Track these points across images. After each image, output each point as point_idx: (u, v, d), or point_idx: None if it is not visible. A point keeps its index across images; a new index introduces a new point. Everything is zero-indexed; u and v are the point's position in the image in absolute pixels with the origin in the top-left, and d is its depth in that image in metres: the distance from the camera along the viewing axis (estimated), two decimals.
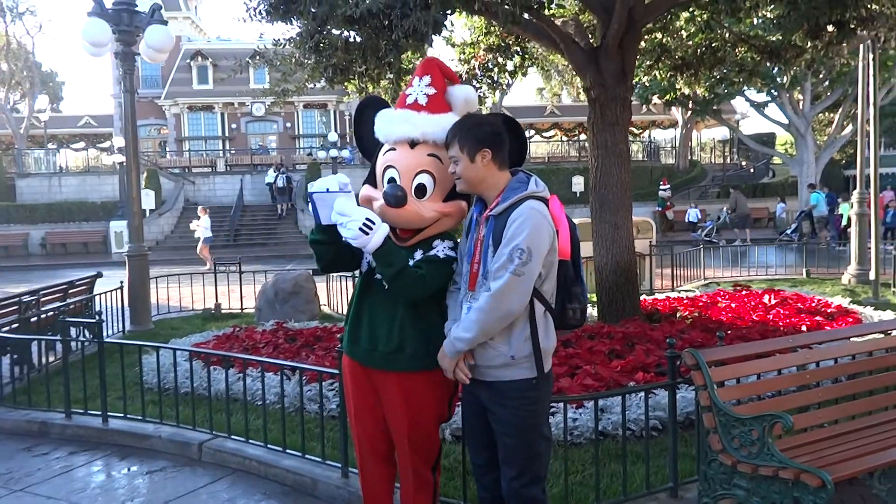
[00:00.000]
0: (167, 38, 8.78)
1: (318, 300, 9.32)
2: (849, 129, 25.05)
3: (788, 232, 20.01)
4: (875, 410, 3.75)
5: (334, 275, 10.01)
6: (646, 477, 3.59)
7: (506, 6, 5.77)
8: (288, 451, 4.23)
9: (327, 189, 2.60)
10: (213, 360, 5.40)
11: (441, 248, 2.80)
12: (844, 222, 18.47)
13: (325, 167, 27.60)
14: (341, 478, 3.89)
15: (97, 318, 5.30)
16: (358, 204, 2.67)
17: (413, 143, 2.77)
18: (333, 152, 26.40)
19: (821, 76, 23.18)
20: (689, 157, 35.81)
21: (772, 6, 5.85)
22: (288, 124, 37.25)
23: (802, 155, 24.79)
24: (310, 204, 2.67)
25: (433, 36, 5.63)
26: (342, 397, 3.88)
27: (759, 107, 26.00)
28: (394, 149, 2.80)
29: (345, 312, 9.27)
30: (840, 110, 25.17)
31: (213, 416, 4.66)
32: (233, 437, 4.52)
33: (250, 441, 4.42)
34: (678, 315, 7.34)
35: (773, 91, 23.29)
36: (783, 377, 3.73)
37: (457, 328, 2.57)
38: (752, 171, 34.37)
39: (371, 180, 2.91)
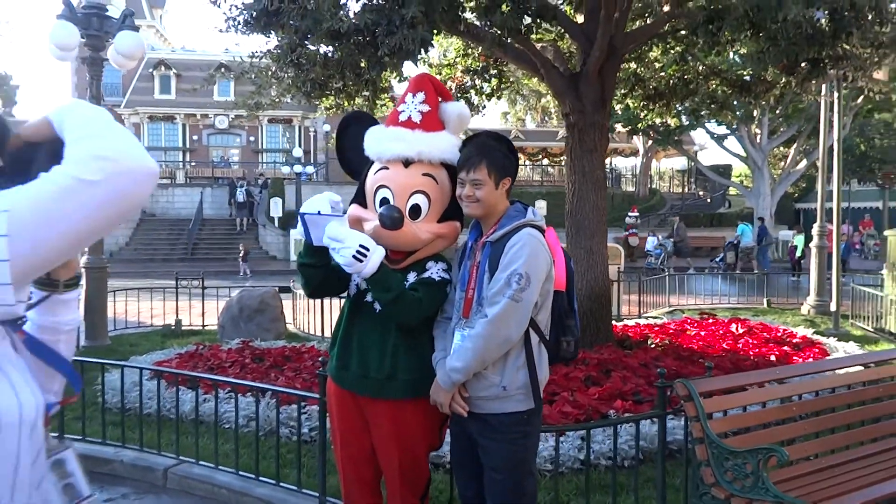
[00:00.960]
0: (138, 45, 8.55)
1: (284, 318, 9.11)
2: (803, 163, 25.92)
3: (717, 260, 20.75)
4: (852, 445, 3.77)
5: (300, 293, 9.81)
6: None
7: (493, 30, 5.76)
8: (261, 478, 4.04)
9: (319, 211, 2.48)
10: (180, 379, 5.17)
11: (435, 271, 2.72)
12: (799, 254, 19.00)
13: (289, 183, 27.28)
14: None
15: None
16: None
17: (407, 162, 2.67)
18: (298, 168, 26.11)
19: (777, 112, 23.95)
20: (649, 186, 36.52)
21: (751, 42, 5.97)
22: (251, 138, 36.84)
23: (759, 187, 25.50)
24: (300, 224, 2.55)
25: (420, 54, 5.58)
26: (323, 423, 3.74)
27: (719, 139, 26.72)
28: (386, 167, 2.70)
29: (312, 332, 9.18)
30: (795, 145, 26.03)
31: (180, 440, 4.45)
32: (201, 462, 4.30)
33: (220, 467, 4.21)
34: (650, 342, 7.36)
35: (732, 124, 23.96)
36: (769, 409, 3.72)
37: (451, 358, 2.48)
38: (709, 200, 35.22)
39: (359, 199, 2.80)
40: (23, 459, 1.09)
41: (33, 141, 1.23)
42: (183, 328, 9.68)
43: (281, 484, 3.96)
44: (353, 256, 2.41)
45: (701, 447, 3.17)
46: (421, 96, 2.76)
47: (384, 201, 2.68)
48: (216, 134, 37.13)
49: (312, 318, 9.30)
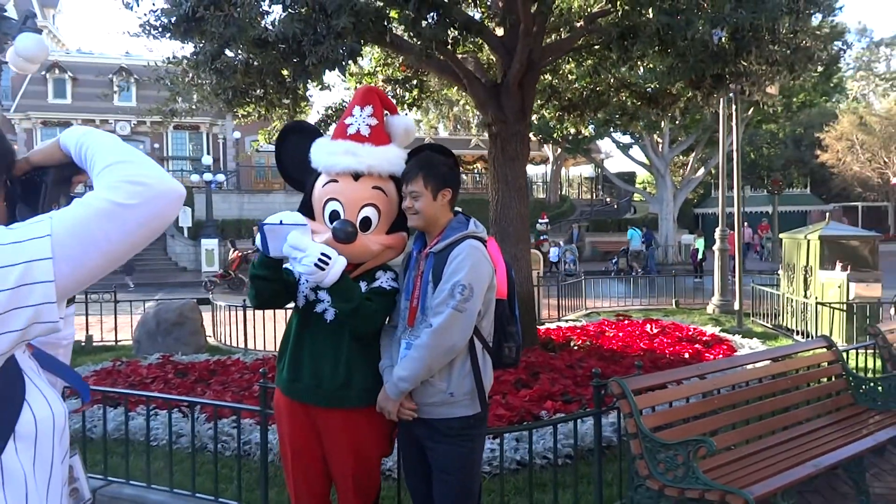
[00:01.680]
0: (41, 48, 8.10)
1: (204, 331, 8.85)
2: (701, 171, 27.42)
3: (612, 262, 21.95)
4: (765, 434, 4.07)
5: (221, 304, 9.57)
6: None
7: (418, 42, 5.85)
8: (198, 494, 3.93)
9: (280, 221, 2.49)
10: (103, 397, 4.95)
11: (385, 280, 2.77)
12: (700, 256, 20.11)
13: (199, 192, 26.41)
14: None
15: None
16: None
17: (357, 176, 2.70)
18: (207, 176, 25.29)
19: (678, 122, 25.26)
20: (560, 192, 37.64)
21: (661, 58, 6.34)
22: (156, 145, 35.33)
23: (662, 193, 26.78)
24: (258, 235, 2.55)
25: (347, 64, 5.60)
26: (264, 437, 3.70)
27: (625, 148, 27.88)
28: (335, 180, 2.72)
29: (234, 344, 8.96)
30: (693, 154, 27.51)
31: (108, 460, 4.27)
32: (132, 482, 4.15)
33: (153, 486, 4.08)
34: (573, 344, 7.62)
35: (638, 134, 25.07)
36: (692, 404, 3.96)
37: (399, 368, 2.54)
38: (616, 206, 36.64)
39: (304, 210, 2.81)
40: (56, 461, 1.20)
41: (42, 165, 1.28)
42: (94, 344, 9.27)
43: (220, 499, 3.87)
44: (315, 265, 2.43)
45: (635, 441, 3.34)
46: (369, 109, 2.79)
47: (334, 214, 2.70)
48: None
49: (233, 330, 9.07)
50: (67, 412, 1.25)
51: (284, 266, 2.73)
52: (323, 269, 2.45)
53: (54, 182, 1.29)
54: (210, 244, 23.46)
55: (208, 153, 32.75)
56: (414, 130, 2.94)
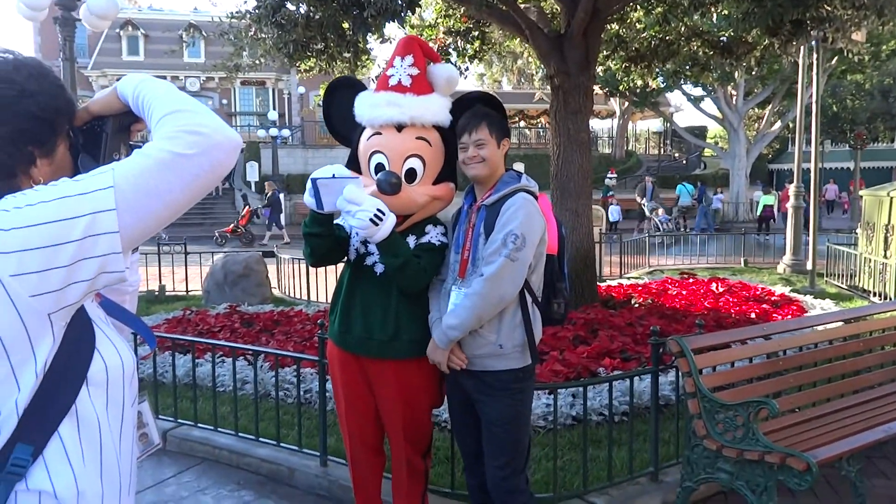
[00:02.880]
0: (111, 5, 8.29)
1: (269, 283, 9.11)
2: (777, 125, 26.18)
3: (664, 219, 20.67)
4: (833, 397, 3.93)
5: (285, 256, 9.80)
6: (629, 461, 3.64)
7: None
8: (261, 439, 4.09)
9: (333, 175, 2.48)
10: (173, 344, 5.18)
11: (434, 235, 2.77)
12: (760, 212, 19.35)
13: (265, 147, 26.93)
14: (320, 466, 3.80)
15: None
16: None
17: (400, 127, 2.69)
18: (273, 131, 25.75)
19: (753, 73, 24.04)
20: (626, 148, 36.66)
21: (735, 3, 5.99)
22: (224, 101, 36.14)
23: (734, 148, 25.74)
24: (310, 191, 2.52)
25: (406, 14, 5.52)
26: (323, 384, 3.80)
27: (695, 100, 26.81)
28: (379, 133, 2.71)
29: (297, 296, 9.20)
30: (770, 107, 26.23)
31: (178, 404, 4.48)
32: (199, 425, 4.35)
33: (219, 430, 4.26)
34: (634, 302, 7.51)
35: (710, 86, 24.02)
36: (755, 364, 3.85)
37: (448, 316, 2.55)
38: (685, 162, 35.46)
39: (352, 165, 2.82)
40: (126, 405, 1.26)
41: (102, 114, 1.30)
42: (167, 294, 9.64)
43: (282, 444, 4.02)
44: (371, 220, 2.43)
45: (693, 401, 3.27)
46: (409, 59, 2.76)
47: (379, 167, 2.70)
48: None
49: (297, 282, 9.31)
50: (135, 359, 1.29)
51: (335, 221, 2.74)
52: (377, 225, 2.45)
53: (114, 131, 1.30)
54: (308, 201, 23.92)
55: (274, 108, 33.28)
56: (457, 79, 2.89)
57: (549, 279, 2.64)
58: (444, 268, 2.73)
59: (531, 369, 2.61)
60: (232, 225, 18.97)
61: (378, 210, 2.45)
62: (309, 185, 2.50)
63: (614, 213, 20.57)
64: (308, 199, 2.53)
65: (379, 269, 2.71)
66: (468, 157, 2.61)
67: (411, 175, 2.70)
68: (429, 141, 2.71)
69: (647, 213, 20.24)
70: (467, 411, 2.71)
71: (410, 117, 2.68)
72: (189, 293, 9.74)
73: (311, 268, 8.62)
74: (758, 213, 19.42)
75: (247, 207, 19.45)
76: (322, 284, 8.41)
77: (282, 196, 23.94)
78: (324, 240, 2.68)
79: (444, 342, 2.55)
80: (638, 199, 21.06)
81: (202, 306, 8.27)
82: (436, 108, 2.74)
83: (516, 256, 2.44)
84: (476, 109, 2.67)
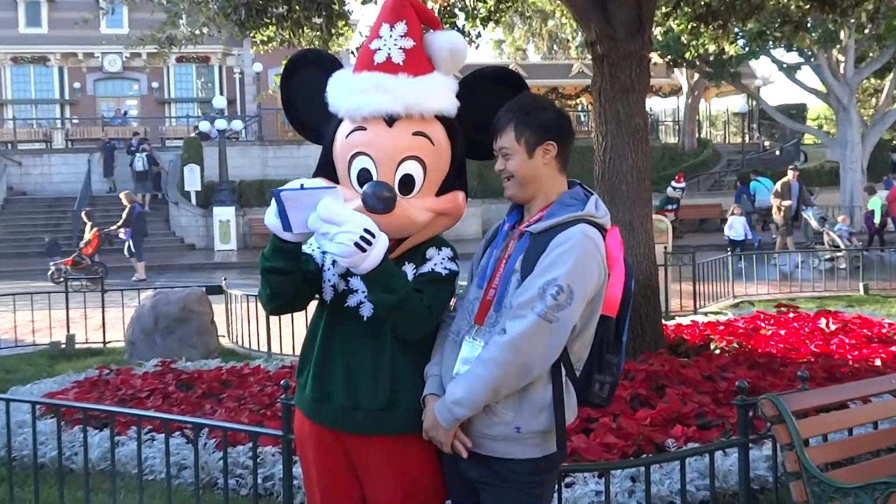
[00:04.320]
0: None
1: (215, 329, 9.11)
2: None
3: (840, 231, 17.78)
4: None
5: (237, 293, 9.82)
6: None
7: None
8: None
9: (301, 185, 2.48)
10: (85, 416, 5.16)
11: (439, 262, 2.75)
12: (877, 220, 19.17)
13: (210, 145, 27.12)
14: None
15: None
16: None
17: (391, 120, 2.67)
18: (220, 123, 25.90)
19: (866, 31, 24.12)
20: (698, 135, 36.75)
21: None
22: (154, 84, 36.54)
23: (844, 133, 25.71)
24: (273, 207, 2.51)
25: None
26: (288, 471, 3.78)
27: (790, 70, 26.87)
28: (363, 128, 2.70)
29: (255, 346, 9.19)
30: (891, 76, 26.25)
31: (91, 499, 4.44)
32: None
33: None
34: (713, 346, 7.49)
35: (808, 50, 24.06)
36: (881, 432, 3.82)
37: (455, 386, 2.52)
38: (778, 152, 35.47)
39: (326, 171, 2.81)
40: None
41: None
42: (77, 346, 9.64)
43: None
44: (356, 243, 2.40)
45: (797, 484, 3.26)
46: (401, 27, 2.73)
47: (364, 173, 2.69)
48: (106, 79, 36.78)
49: (253, 327, 9.30)
50: None
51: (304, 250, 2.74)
52: (364, 250, 2.43)
53: None
54: (224, 213, 24.05)
55: (221, 93, 33.59)
56: (464, 50, 2.85)
57: (597, 347, 2.60)
58: (459, 301, 2.73)
59: (556, 458, 2.60)
60: (74, 255, 17.64)
61: (365, 230, 2.43)
62: (272, 202, 2.48)
63: (739, 227, 18.15)
64: (271, 219, 2.51)
65: (366, 310, 2.70)
66: (497, 170, 2.64)
67: (408, 184, 2.69)
68: (430, 137, 2.71)
69: (815, 225, 18.04)
70: (470, 496, 2.69)
71: (405, 106, 2.66)
72: (107, 345, 9.73)
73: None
74: (876, 222, 19.14)
75: (94, 230, 18.24)
76: (287, 330, 8.40)
77: (232, 210, 24.01)
78: (290, 277, 2.65)
79: (447, 420, 2.52)
80: (779, 204, 18.39)
81: (124, 363, 8.27)
82: (438, 93, 2.73)
83: (555, 316, 2.40)
84: (513, 102, 2.65)
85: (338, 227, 2.42)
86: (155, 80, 36.41)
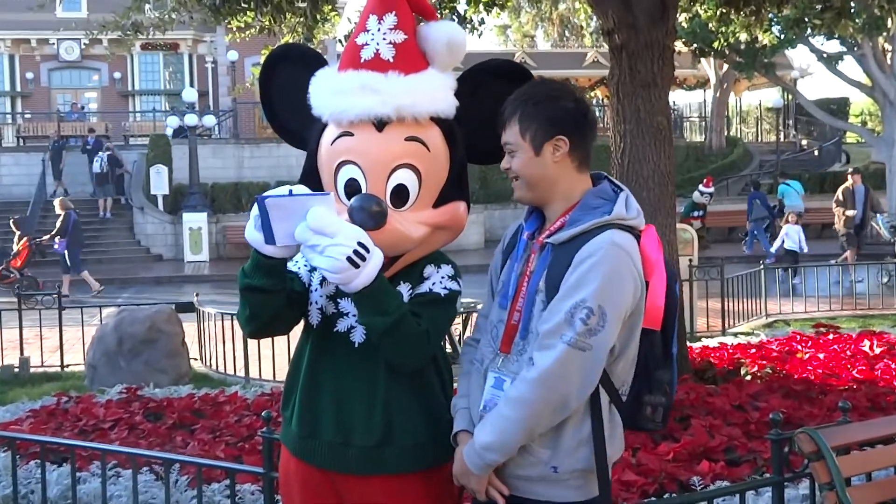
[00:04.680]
0: None
1: (186, 352, 9.13)
2: None
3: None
4: None
5: (211, 311, 9.84)
6: None
7: None
8: None
9: (290, 191, 2.49)
10: (42, 450, 5.18)
11: (438, 281, 2.74)
12: None
13: (179, 143, 27.15)
14: None
15: None
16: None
17: (381, 124, 2.67)
18: (191, 119, 25.95)
19: None
20: (726, 133, 36.80)
21: None
22: (116, 74, 36.59)
23: (892, 131, 25.75)
24: (256, 219, 2.51)
25: None
26: None
27: (830, 61, 26.92)
28: (349, 133, 2.69)
29: (231, 371, 9.18)
30: None
31: None
32: None
33: None
34: (744, 371, 7.50)
35: (848, 39, 24.11)
36: None
37: (482, 430, 2.50)
38: (816, 153, 35.56)
39: (310, 180, 2.81)
40: None
41: None
42: (32, 370, 9.64)
43: None
44: (349, 258, 2.40)
45: None
46: (390, 19, 2.72)
47: (352, 184, 2.69)
48: (62, 69, 36.83)
49: (229, 349, 9.31)
50: None
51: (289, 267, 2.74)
52: (357, 266, 2.43)
53: None
54: (195, 220, 24.03)
55: (192, 85, 33.62)
56: (463, 42, 2.86)
57: (643, 364, 2.55)
58: (483, 324, 2.72)
59: (600, 502, 2.54)
60: (1, 268, 17.83)
61: (359, 244, 2.43)
62: (254, 210, 2.48)
63: (794, 236, 18.04)
64: (252, 232, 2.51)
65: (358, 336, 2.70)
66: (502, 168, 2.64)
67: (401, 195, 2.69)
68: (425, 143, 2.71)
69: (885, 235, 18.26)
70: None
71: (395, 108, 2.65)
72: (65, 369, 9.76)
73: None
74: None
75: (23, 240, 18.25)
76: (267, 353, 8.42)
77: (204, 216, 23.96)
78: (272, 297, 2.63)
79: (478, 467, 2.50)
80: (842, 213, 18.04)
81: (85, 389, 8.28)
82: (433, 92, 2.73)
83: (587, 343, 2.36)
84: (521, 90, 2.64)
85: (329, 240, 2.40)
86: (117, 69, 36.44)
